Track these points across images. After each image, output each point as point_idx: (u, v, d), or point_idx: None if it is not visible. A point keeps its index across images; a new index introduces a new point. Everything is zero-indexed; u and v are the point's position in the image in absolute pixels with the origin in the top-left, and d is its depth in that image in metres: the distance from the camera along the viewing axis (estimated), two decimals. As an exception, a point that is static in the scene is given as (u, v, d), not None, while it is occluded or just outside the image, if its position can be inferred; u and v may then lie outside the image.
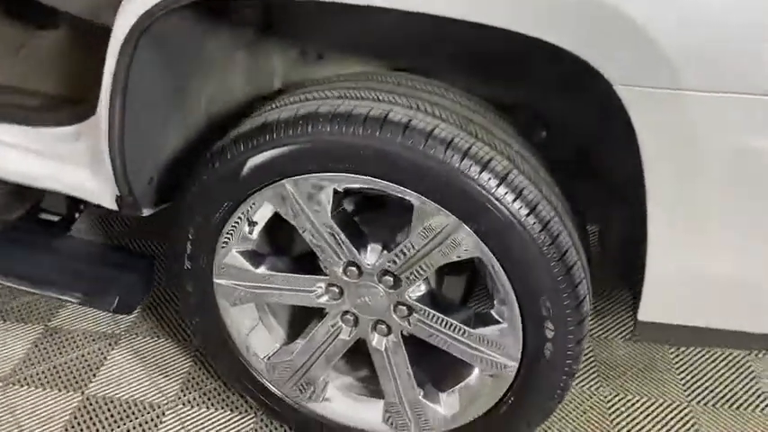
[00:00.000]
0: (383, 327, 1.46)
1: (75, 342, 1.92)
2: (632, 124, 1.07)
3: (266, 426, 1.71)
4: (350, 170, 1.27)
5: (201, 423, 1.71)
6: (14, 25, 1.89)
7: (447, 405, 1.49)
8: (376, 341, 1.48)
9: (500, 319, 1.35)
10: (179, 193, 1.53)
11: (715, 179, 1.06)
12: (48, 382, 1.79)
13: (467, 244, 1.27)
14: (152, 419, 1.71)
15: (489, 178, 1.21)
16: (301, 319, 1.65)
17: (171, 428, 1.69)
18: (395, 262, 1.35)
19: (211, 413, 1.73)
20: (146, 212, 1.57)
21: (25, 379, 1.80)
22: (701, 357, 1.95)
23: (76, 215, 1.81)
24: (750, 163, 1.03)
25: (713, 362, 1.94)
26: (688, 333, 1.22)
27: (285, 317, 1.66)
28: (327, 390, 1.60)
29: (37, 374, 1.82)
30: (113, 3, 1.31)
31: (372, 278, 1.40)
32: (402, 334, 1.45)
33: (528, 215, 1.22)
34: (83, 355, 1.87)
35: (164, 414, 1.73)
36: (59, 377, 1.81)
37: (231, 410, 1.74)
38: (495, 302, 1.37)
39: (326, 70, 1.61)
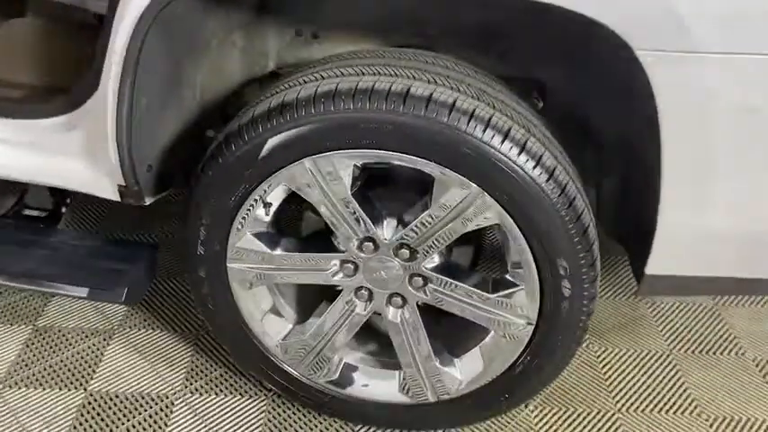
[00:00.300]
0: (398, 299, 1.49)
1: (67, 340, 1.86)
2: (651, 88, 1.13)
3: (279, 406, 1.72)
4: (372, 146, 1.29)
5: (214, 410, 1.70)
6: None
7: (463, 369, 1.54)
8: (391, 314, 1.51)
9: (516, 282, 1.41)
10: (189, 178, 1.52)
11: (729, 136, 1.14)
12: (47, 382, 1.74)
13: (488, 212, 1.32)
14: (161, 410, 1.69)
15: (511, 147, 1.25)
16: (307, 299, 1.67)
17: (183, 418, 1.68)
18: (414, 234, 1.39)
19: (221, 399, 1.73)
20: (148, 201, 1.54)
21: (22, 380, 1.74)
22: (675, 309, 2.08)
23: (63, 209, 1.75)
24: (762, 120, 1.12)
25: (686, 312, 2.08)
26: (696, 283, 1.32)
27: (293, 297, 1.66)
28: (342, 366, 1.62)
29: (34, 375, 1.76)
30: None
31: (388, 252, 1.43)
32: (417, 304, 1.49)
33: (547, 180, 1.27)
34: (78, 353, 1.83)
35: (173, 404, 1.71)
36: (58, 376, 1.76)
37: (241, 395, 1.74)
38: (508, 267, 1.43)
39: (322, 50, 1.62)
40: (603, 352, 1.93)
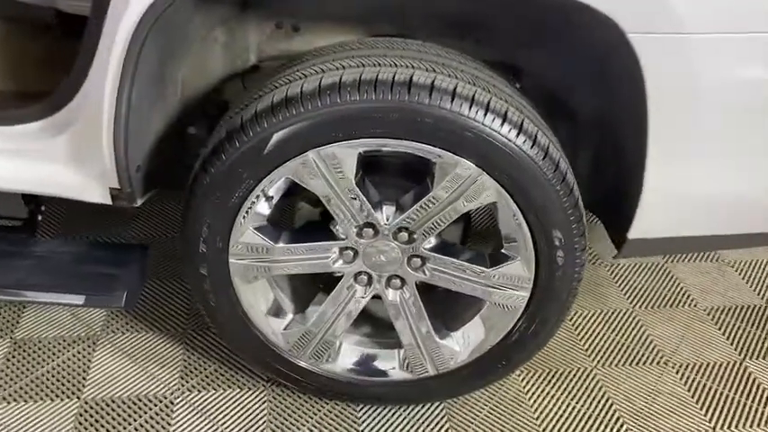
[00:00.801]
0: (397, 281, 1.55)
1: (50, 350, 1.81)
2: (639, 68, 1.23)
3: (279, 395, 1.74)
4: (377, 135, 1.33)
5: (215, 405, 1.71)
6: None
7: (463, 340, 1.62)
8: (391, 295, 1.57)
9: (511, 255, 1.49)
10: (176, 176, 1.51)
11: (711, 109, 1.26)
12: (37, 395, 1.69)
13: (488, 192, 1.39)
14: (162, 410, 1.69)
15: (510, 129, 1.33)
16: (303, 289, 1.70)
17: (186, 416, 1.68)
18: (415, 217, 1.44)
19: (221, 394, 1.74)
20: (139, 202, 1.53)
21: (11, 395, 1.69)
22: (631, 269, 2.25)
23: (39, 217, 1.69)
24: (742, 93, 1.24)
25: (641, 271, 2.25)
26: (676, 243, 1.44)
27: (288, 288, 1.69)
28: (343, 350, 1.67)
29: (22, 389, 1.70)
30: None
31: (387, 236, 1.48)
32: (415, 284, 1.55)
33: (543, 158, 1.36)
34: (64, 362, 1.78)
35: (172, 403, 1.70)
36: (48, 387, 1.71)
37: (240, 388, 1.76)
38: (503, 241, 1.50)
39: (303, 42, 1.64)
40: (574, 314, 2.06)
